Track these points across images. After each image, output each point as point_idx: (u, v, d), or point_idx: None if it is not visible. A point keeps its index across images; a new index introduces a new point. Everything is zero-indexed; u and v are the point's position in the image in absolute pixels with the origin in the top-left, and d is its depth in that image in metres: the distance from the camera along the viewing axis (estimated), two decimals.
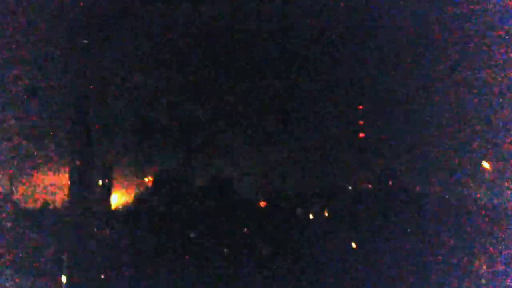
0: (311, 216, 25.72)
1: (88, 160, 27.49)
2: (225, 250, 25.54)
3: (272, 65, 25.68)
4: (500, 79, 24.58)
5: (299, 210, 25.48)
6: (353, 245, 24.39)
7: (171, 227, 27.14)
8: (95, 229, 27.32)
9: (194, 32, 26.38)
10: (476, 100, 25.34)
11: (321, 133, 26.62)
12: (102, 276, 26.42)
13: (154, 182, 28.27)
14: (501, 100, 24.90)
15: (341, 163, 26.05)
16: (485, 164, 25.80)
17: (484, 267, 24.16)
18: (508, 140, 24.84)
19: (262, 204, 26.72)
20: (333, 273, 23.31)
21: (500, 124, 24.93)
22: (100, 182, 28.22)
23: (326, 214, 25.66)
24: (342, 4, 25.32)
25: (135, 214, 28.41)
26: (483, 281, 23.69)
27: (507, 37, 24.16)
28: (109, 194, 28.76)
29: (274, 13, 25.52)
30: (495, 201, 25.32)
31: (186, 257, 25.86)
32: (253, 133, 26.94)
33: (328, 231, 24.68)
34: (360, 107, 25.78)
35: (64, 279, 25.72)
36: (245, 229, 26.10)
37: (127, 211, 28.64)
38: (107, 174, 28.35)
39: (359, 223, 24.60)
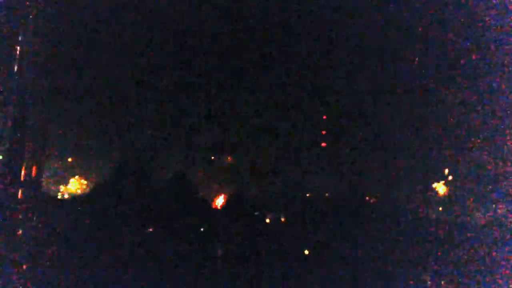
0: (267, 221, 26.28)
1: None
2: (181, 248, 25.72)
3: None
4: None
5: (256, 213, 25.94)
6: (306, 252, 25.06)
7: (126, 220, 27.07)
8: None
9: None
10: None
11: (283, 137, 27.16)
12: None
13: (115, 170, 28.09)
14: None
15: (302, 168, 26.66)
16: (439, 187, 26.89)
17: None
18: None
19: (220, 204, 27.03)
20: (286, 276, 23.88)
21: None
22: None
23: (283, 219, 26.27)
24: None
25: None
26: None
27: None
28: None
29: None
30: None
31: (136, 252, 25.87)
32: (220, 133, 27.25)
33: (284, 235, 25.28)
34: (324, 117, 26.48)
35: None
36: (201, 229, 26.39)
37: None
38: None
39: (314, 229, 25.28)
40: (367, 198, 26.32)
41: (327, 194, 26.15)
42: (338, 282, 24.00)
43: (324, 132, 26.37)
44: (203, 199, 27.73)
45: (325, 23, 26.04)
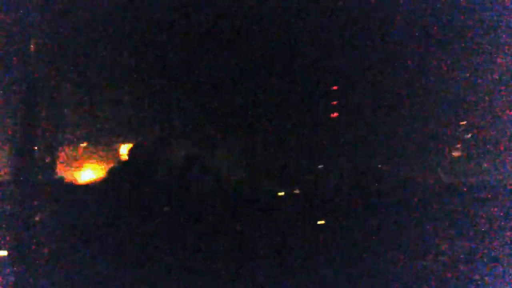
0: (282, 193, 26.25)
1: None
2: (195, 225, 25.76)
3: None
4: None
5: (268, 186, 25.95)
6: (321, 222, 25.03)
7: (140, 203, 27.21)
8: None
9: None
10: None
11: (294, 112, 27.17)
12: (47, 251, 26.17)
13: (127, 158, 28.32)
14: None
15: (314, 142, 26.65)
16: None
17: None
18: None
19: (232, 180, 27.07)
20: (301, 249, 23.91)
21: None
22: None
23: (297, 191, 26.24)
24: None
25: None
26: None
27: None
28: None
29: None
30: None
31: (159, 229, 26.00)
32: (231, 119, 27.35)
33: (298, 208, 25.29)
34: (335, 87, 26.34)
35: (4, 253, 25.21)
36: (217, 207, 26.42)
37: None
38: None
39: (328, 201, 25.29)
40: (379, 166, 26.28)
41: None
42: (351, 251, 24.05)
43: (335, 103, 26.37)
44: (215, 179, 27.79)
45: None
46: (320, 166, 27.01)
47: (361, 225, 24.24)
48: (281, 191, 26.38)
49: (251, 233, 25.33)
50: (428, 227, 24.18)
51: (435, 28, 26.87)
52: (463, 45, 26.85)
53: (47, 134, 28.23)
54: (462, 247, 24.15)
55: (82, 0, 26.70)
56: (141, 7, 27.39)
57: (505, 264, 23.46)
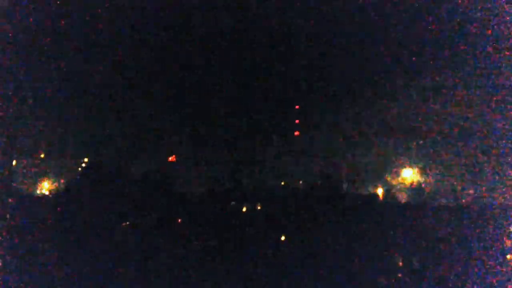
0: (244, 209, 26.59)
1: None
2: (160, 240, 25.71)
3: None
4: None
5: (233, 203, 26.25)
6: (282, 237, 25.48)
7: (104, 215, 26.88)
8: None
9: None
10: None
11: (256, 131, 27.67)
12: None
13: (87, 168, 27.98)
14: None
15: (275, 161, 27.17)
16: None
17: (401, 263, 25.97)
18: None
19: (197, 195, 27.21)
20: (262, 262, 24.19)
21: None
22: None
23: (259, 207, 26.66)
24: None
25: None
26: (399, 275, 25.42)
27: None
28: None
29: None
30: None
31: (117, 245, 25.72)
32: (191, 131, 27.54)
33: (259, 223, 25.65)
34: (297, 107, 27.17)
35: None
36: (179, 220, 26.47)
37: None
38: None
39: (289, 217, 25.76)
40: (339, 185, 27.09)
41: (300, 182, 26.75)
42: (313, 266, 24.41)
43: (297, 121, 27.07)
44: (179, 192, 27.88)
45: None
46: (282, 183, 27.66)
47: (323, 241, 24.87)
48: (243, 207, 26.81)
49: (213, 249, 25.48)
50: (388, 243, 25.08)
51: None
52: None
53: (3, 145, 27.55)
54: (417, 263, 25.12)
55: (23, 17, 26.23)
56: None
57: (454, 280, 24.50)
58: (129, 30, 27.42)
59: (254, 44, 26.87)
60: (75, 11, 26.26)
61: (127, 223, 27.31)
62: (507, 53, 26.23)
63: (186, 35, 27.31)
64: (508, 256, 25.90)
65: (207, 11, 26.44)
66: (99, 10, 26.41)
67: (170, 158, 28.29)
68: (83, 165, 28.46)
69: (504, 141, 27.26)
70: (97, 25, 27.26)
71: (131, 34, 27.65)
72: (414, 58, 26.89)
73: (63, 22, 26.74)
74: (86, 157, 28.38)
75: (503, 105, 27.18)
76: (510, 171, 28.00)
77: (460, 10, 25.58)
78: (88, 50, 27.53)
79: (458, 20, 26.02)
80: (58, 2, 26.59)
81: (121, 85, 28.17)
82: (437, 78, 27.25)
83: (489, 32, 25.63)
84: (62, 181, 28.64)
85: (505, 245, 25.98)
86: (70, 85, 28.02)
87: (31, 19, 26.20)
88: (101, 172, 29.79)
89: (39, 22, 26.30)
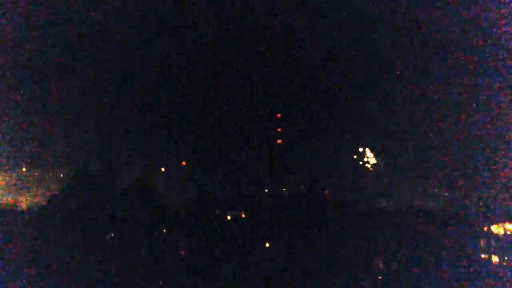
0: (229, 217, 26.79)
1: None
2: (143, 250, 25.75)
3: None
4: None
5: (217, 212, 26.40)
6: (267, 244, 25.75)
7: (86, 227, 26.79)
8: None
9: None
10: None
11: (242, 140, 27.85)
12: None
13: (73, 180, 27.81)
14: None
15: (260, 168, 27.38)
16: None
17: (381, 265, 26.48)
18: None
19: (184, 205, 27.32)
20: (248, 268, 24.44)
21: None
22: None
23: (243, 215, 26.86)
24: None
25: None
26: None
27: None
28: None
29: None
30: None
31: (102, 256, 25.66)
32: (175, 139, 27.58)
33: (245, 230, 25.87)
34: (278, 115, 27.47)
35: None
36: (164, 230, 26.54)
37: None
38: None
39: (273, 224, 26.04)
40: (322, 192, 27.44)
41: (284, 189, 27.07)
42: (296, 271, 24.78)
43: (279, 130, 27.41)
44: (163, 204, 27.95)
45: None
46: (265, 191, 27.91)
47: (307, 247, 25.22)
48: (228, 215, 27.01)
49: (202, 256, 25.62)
50: (371, 248, 25.56)
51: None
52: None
53: None
54: (398, 268, 25.66)
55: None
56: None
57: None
58: (119, 38, 27.55)
59: (239, 56, 27.23)
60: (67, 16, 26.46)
61: (112, 234, 27.31)
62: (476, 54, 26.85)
63: (173, 49, 27.58)
64: (483, 256, 26.63)
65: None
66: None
67: (158, 169, 28.44)
68: (68, 177, 28.35)
69: (478, 145, 28.02)
70: (84, 34, 27.40)
71: (119, 42, 27.78)
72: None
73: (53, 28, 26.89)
74: (71, 169, 28.36)
75: (471, 108, 27.92)
76: (484, 173, 28.72)
77: (455, 12, 26.14)
78: (73, 60, 27.61)
79: (455, 21, 26.59)
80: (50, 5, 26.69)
81: (108, 94, 28.26)
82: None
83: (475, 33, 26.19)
84: (46, 194, 28.50)
85: (479, 245, 26.73)
86: (52, 96, 28.02)
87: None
88: (86, 184, 29.69)
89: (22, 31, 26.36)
